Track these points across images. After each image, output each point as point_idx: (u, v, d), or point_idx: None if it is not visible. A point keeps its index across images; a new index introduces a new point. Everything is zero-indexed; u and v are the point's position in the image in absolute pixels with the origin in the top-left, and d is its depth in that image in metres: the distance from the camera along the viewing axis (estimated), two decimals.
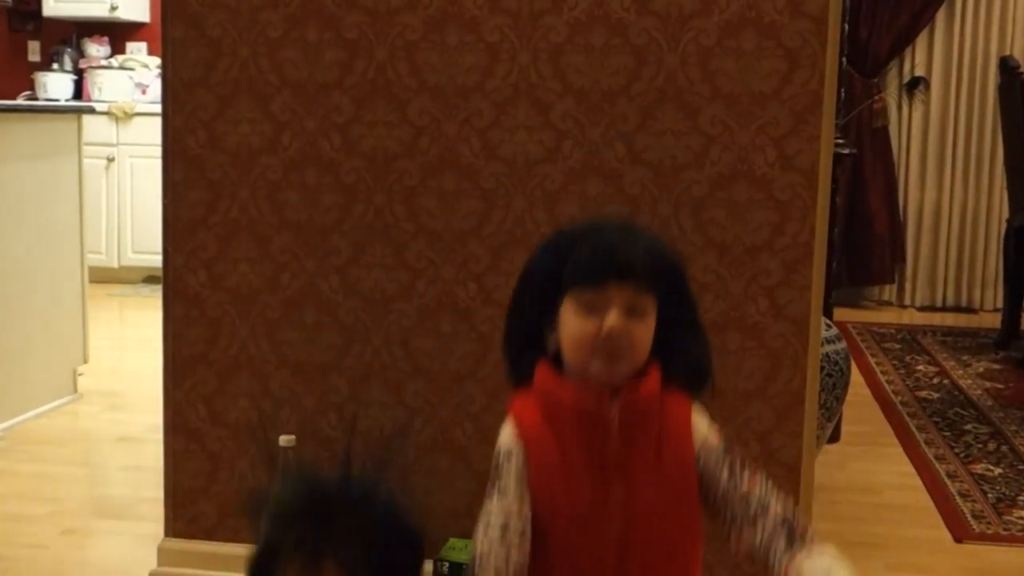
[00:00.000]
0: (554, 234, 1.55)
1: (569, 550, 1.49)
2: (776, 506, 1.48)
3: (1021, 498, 3.37)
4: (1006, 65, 5.42)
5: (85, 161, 4.25)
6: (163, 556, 2.67)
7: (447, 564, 2.41)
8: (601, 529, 1.47)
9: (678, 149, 2.40)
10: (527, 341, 1.51)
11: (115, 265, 6.55)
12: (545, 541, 1.49)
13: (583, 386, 1.46)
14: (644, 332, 1.45)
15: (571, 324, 1.45)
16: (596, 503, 1.47)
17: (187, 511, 2.66)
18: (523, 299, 1.53)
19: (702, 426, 1.51)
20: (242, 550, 2.65)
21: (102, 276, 6.22)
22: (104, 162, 6.50)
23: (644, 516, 1.47)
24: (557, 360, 1.49)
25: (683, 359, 1.50)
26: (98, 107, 6.28)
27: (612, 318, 1.42)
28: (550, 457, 1.48)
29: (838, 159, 3.61)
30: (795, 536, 1.48)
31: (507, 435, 1.52)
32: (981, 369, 5.06)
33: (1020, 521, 3.18)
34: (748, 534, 1.49)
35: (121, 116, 6.57)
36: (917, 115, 6.63)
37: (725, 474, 1.50)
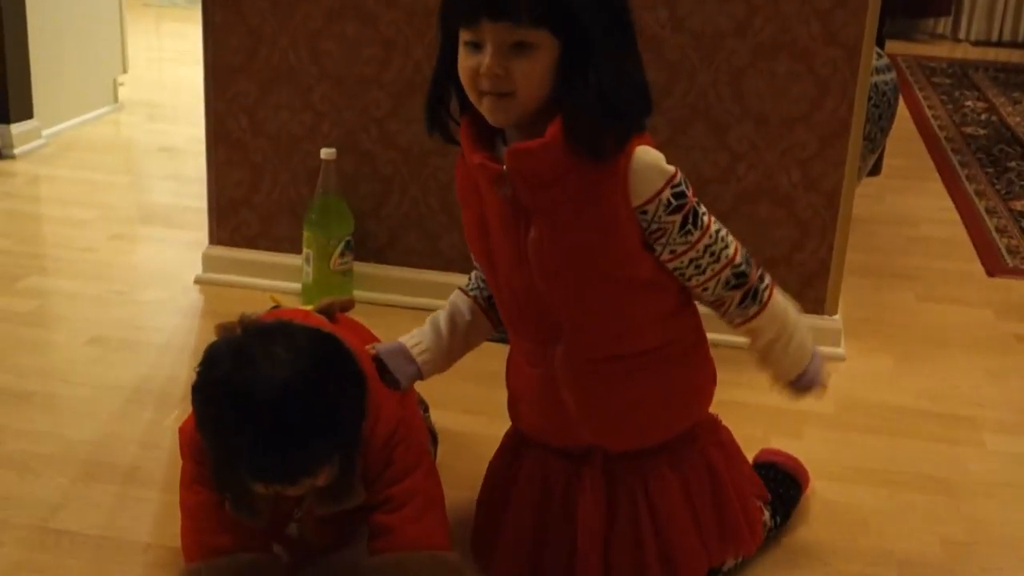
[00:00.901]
0: None
1: (501, 299, 1.57)
2: (722, 263, 1.47)
3: None
4: None
5: None
6: (207, 263, 2.74)
7: None
8: (516, 282, 1.50)
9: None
10: (443, 84, 1.47)
11: None
12: (492, 287, 1.59)
13: (481, 146, 1.45)
14: (528, 67, 1.36)
15: (460, 62, 1.41)
16: (507, 257, 1.49)
17: (230, 220, 2.71)
18: (441, 42, 1.46)
19: (647, 175, 1.40)
20: (283, 259, 2.75)
21: None
22: None
23: (548, 276, 1.46)
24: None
25: (575, 118, 1.36)
26: None
27: (485, 57, 1.36)
28: (471, 210, 1.53)
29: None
30: (744, 300, 1.50)
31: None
32: None
33: None
34: (694, 289, 1.52)
35: None
36: None
37: (674, 230, 1.43)
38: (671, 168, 1.43)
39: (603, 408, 1.55)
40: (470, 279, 1.69)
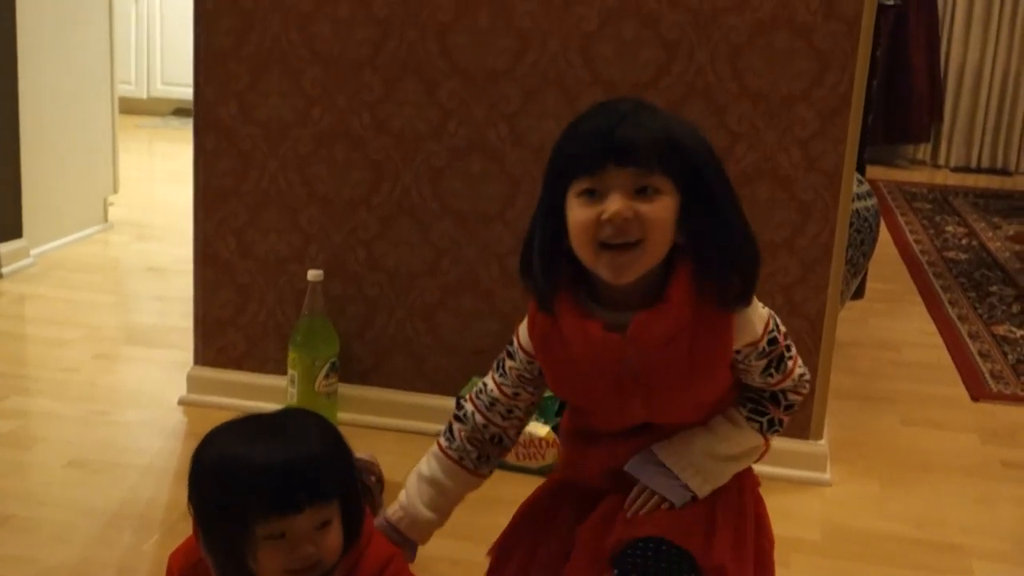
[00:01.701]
0: (571, 122, 1.42)
1: (596, 424, 1.53)
2: (779, 411, 1.51)
3: None
4: None
5: None
6: (192, 383, 2.73)
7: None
8: (624, 418, 1.49)
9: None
10: (549, 249, 1.40)
11: (144, 96, 6.51)
12: (577, 410, 1.56)
13: (595, 325, 1.39)
14: (655, 211, 1.33)
15: (574, 214, 1.35)
16: (615, 407, 1.47)
17: (215, 340, 2.71)
18: (544, 199, 1.41)
19: (748, 326, 1.42)
20: (269, 380, 2.74)
21: (131, 107, 6.19)
22: None
23: (666, 418, 1.48)
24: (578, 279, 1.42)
25: (716, 255, 1.36)
26: None
27: (611, 203, 1.32)
28: (564, 370, 1.47)
29: (882, 10, 3.52)
30: (761, 415, 1.51)
31: (522, 336, 1.52)
32: (1011, 232, 5.03)
33: None
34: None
35: None
36: None
37: (757, 372, 1.47)
38: (766, 312, 1.46)
39: None
40: (451, 434, 1.60)
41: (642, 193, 1.33)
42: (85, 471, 2.36)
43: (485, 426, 1.59)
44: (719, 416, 1.51)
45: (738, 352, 1.44)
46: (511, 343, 1.54)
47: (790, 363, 1.48)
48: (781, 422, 1.53)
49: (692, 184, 1.35)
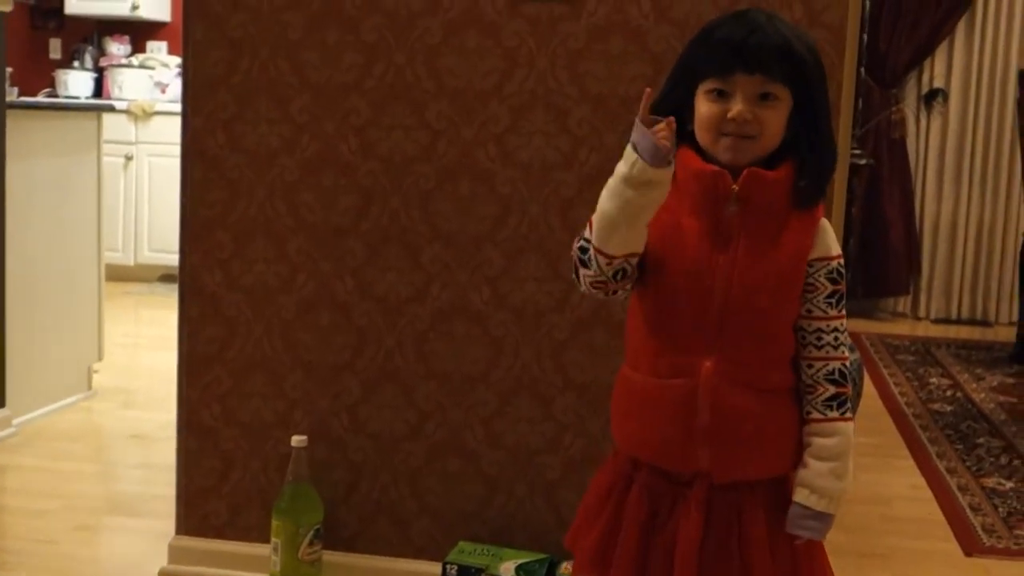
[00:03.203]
0: (704, 25, 1.64)
1: (674, 304, 1.63)
2: (839, 353, 1.64)
3: None
4: None
5: (104, 159, 4.27)
6: (174, 554, 2.68)
7: (456, 567, 2.42)
8: (703, 291, 1.60)
9: None
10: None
11: (131, 263, 6.58)
12: (654, 292, 1.64)
13: (712, 166, 1.59)
14: (773, 117, 1.58)
15: (702, 109, 1.59)
16: (701, 267, 1.60)
17: (199, 509, 2.67)
18: (669, 88, 1.63)
19: (828, 240, 1.63)
20: (252, 549, 2.69)
21: (118, 274, 6.25)
22: (122, 160, 6.53)
23: (744, 292, 1.59)
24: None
25: (808, 165, 1.59)
26: (118, 105, 6.30)
27: (738, 105, 1.56)
28: (664, 216, 1.60)
29: (855, 169, 3.62)
30: (834, 399, 1.63)
31: None
32: (995, 383, 5.05)
33: None
34: (803, 360, 1.65)
35: (140, 115, 6.60)
36: (935, 127, 6.62)
37: (822, 294, 1.63)
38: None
39: (729, 430, 1.61)
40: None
41: (764, 99, 1.57)
42: None
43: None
44: (814, 443, 1.63)
45: (811, 265, 1.62)
46: None
47: (844, 310, 1.64)
48: (847, 398, 1.64)
49: (804, 94, 1.59)
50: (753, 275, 1.59)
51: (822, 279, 1.63)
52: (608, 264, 1.60)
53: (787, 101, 1.59)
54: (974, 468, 3.77)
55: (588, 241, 1.61)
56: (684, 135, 1.62)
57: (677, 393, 1.62)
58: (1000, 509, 3.37)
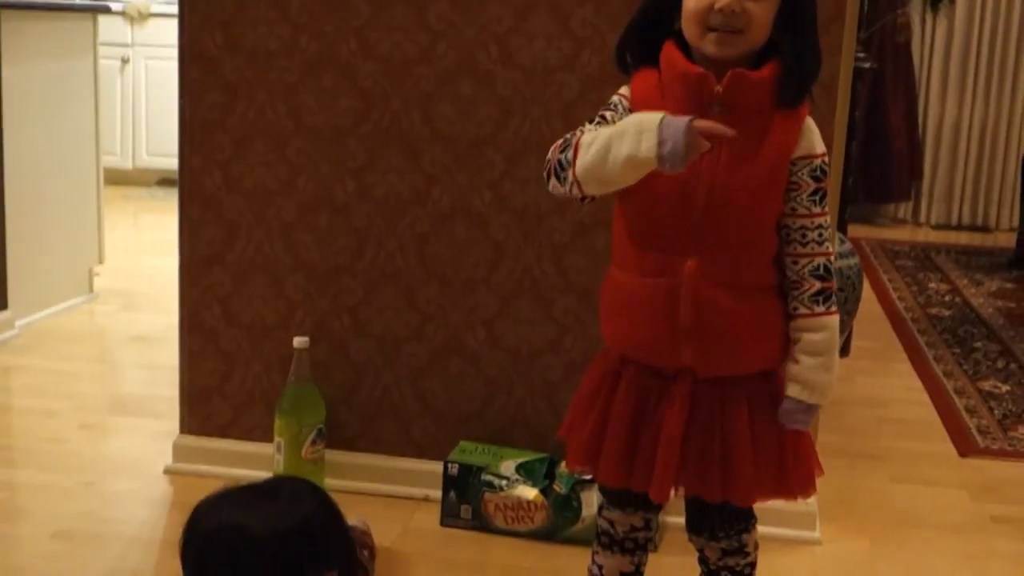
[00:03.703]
0: None
1: (656, 205, 1.64)
2: (824, 249, 1.66)
3: None
4: None
5: (100, 62, 4.22)
6: (178, 452, 2.72)
7: (457, 466, 2.45)
8: (685, 193, 1.62)
9: None
10: (652, 25, 1.65)
11: (129, 167, 6.55)
12: (637, 193, 1.64)
13: (696, 68, 1.60)
14: (761, 10, 1.58)
15: (689, 2, 1.59)
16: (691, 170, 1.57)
17: (202, 409, 2.70)
18: None
19: (813, 139, 1.65)
20: (255, 448, 2.72)
21: (116, 178, 6.22)
22: (118, 63, 6.46)
23: (725, 192, 1.61)
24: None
25: (793, 63, 1.60)
26: (113, 7, 6.19)
27: None
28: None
29: (858, 73, 3.57)
30: (820, 295, 1.66)
31: (620, 92, 1.69)
32: (994, 288, 5.06)
33: None
34: (788, 257, 1.67)
35: (136, 16, 6.52)
36: (941, 30, 6.54)
37: (805, 192, 1.64)
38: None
39: (711, 328, 1.65)
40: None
41: None
42: (71, 543, 2.34)
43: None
44: (803, 338, 1.66)
45: (794, 164, 1.63)
46: (610, 102, 1.69)
47: (827, 208, 1.66)
48: (832, 292, 1.67)
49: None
50: (735, 176, 1.61)
51: (805, 177, 1.64)
52: (583, 197, 1.64)
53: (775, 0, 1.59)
54: (971, 372, 3.80)
55: (570, 163, 1.62)
56: (670, 31, 1.64)
57: (660, 292, 1.65)
58: (995, 411, 3.41)
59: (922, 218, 6.70)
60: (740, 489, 1.69)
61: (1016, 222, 5.91)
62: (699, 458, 1.68)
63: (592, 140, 1.60)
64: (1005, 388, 3.64)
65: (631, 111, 1.65)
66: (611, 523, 1.85)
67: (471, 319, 2.56)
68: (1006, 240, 6.10)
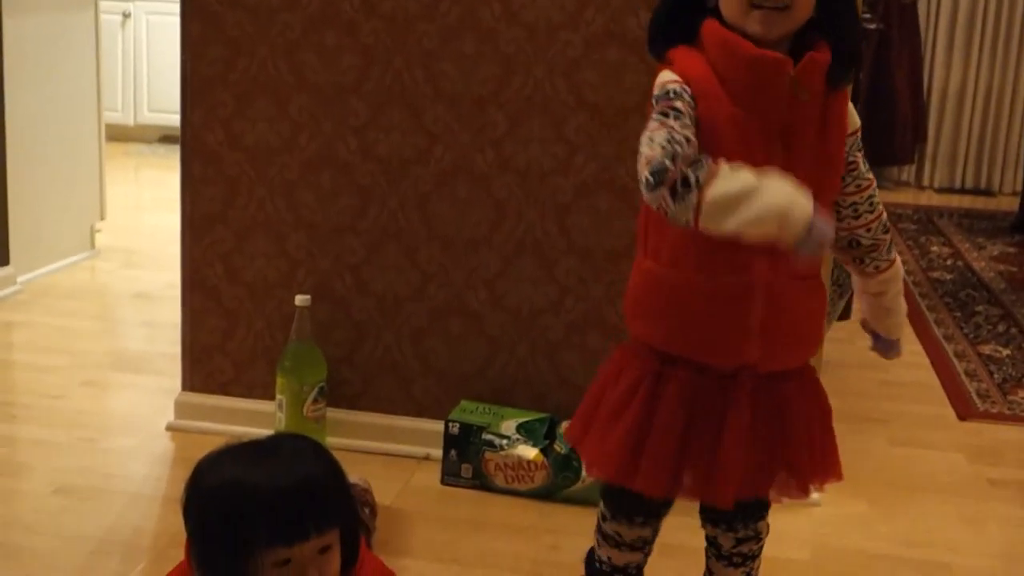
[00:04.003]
0: None
1: None
2: (880, 206, 1.71)
3: None
4: None
5: (100, 16, 4.19)
6: (180, 409, 2.72)
7: (458, 425, 2.46)
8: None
9: None
10: (685, 2, 1.59)
11: (131, 123, 6.52)
12: None
13: (749, 44, 1.52)
14: None
15: None
16: (758, 163, 1.48)
17: (204, 366, 2.71)
18: None
19: (853, 113, 1.65)
20: (257, 405, 2.73)
21: (117, 134, 6.19)
22: (120, 18, 6.42)
23: (800, 184, 1.51)
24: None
25: (840, 43, 1.56)
26: None
27: None
28: (719, 111, 1.53)
29: (864, 34, 3.56)
30: (891, 245, 1.73)
31: (669, 77, 1.55)
32: (996, 252, 5.05)
33: None
34: (862, 228, 1.71)
35: None
36: None
37: (860, 167, 1.67)
38: None
39: (783, 322, 1.62)
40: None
41: None
42: (72, 498, 2.35)
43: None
44: (890, 289, 1.75)
45: (847, 143, 1.64)
46: (669, 89, 1.54)
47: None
48: (891, 243, 1.74)
49: None
50: (808, 166, 1.55)
51: (855, 151, 1.67)
52: (688, 223, 1.46)
53: None
54: (971, 336, 3.80)
55: (699, 186, 1.43)
56: (706, 9, 1.57)
57: (732, 290, 1.59)
58: (995, 375, 3.41)
59: (925, 181, 6.68)
60: (802, 484, 1.69)
61: (1019, 186, 5.89)
62: (767, 458, 1.65)
63: (735, 176, 1.44)
64: (1005, 352, 3.64)
65: (695, 98, 1.52)
66: (618, 534, 1.79)
67: (473, 279, 2.56)
68: (1009, 204, 6.08)
